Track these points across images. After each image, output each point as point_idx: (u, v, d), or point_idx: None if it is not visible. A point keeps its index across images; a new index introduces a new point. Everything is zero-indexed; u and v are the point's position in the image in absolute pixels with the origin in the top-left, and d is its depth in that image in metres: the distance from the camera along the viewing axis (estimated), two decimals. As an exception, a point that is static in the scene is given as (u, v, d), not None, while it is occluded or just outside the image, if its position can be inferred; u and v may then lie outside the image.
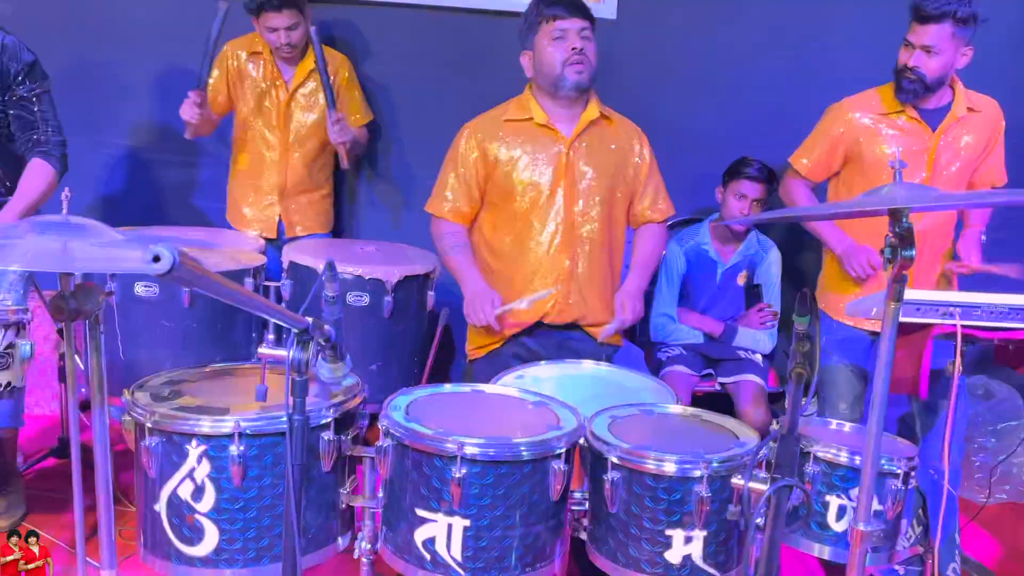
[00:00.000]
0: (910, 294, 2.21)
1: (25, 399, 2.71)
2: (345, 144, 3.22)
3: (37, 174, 2.60)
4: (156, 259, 0.98)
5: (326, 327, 1.69)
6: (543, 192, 2.72)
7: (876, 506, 1.96)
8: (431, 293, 2.89)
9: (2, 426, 2.67)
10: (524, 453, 1.80)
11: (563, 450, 1.84)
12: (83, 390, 1.74)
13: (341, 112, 3.22)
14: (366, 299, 2.71)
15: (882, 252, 1.47)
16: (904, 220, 1.43)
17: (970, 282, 2.82)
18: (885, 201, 1.46)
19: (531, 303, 2.67)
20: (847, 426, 2.23)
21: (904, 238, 1.44)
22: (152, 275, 0.98)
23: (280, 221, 3.34)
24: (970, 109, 2.78)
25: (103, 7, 3.56)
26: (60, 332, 3.01)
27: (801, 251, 3.54)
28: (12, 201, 2.56)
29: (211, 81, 3.22)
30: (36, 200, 2.60)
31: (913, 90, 2.69)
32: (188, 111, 3.07)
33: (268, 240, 3.28)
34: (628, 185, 2.85)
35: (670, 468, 1.81)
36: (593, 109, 2.75)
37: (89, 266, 1.37)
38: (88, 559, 1.85)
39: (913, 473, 2.04)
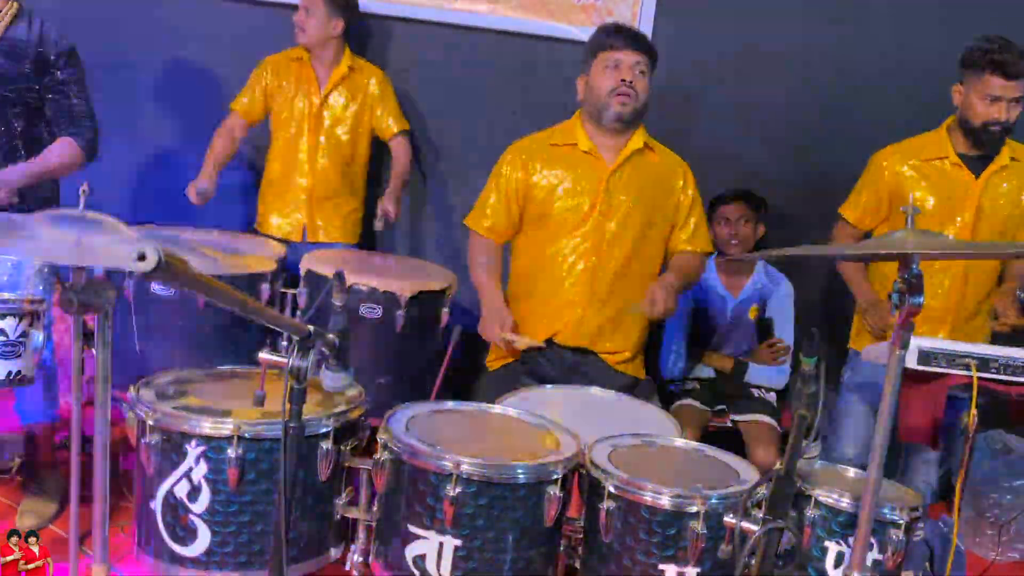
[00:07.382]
0: (926, 343, 2.19)
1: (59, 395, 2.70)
2: (390, 214, 3.27)
3: (60, 148, 2.63)
4: (141, 257, 0.99)
5: (330, 336, 1.69)
6: (577, 217, 2.74)
7: (876, 555, 1.92)
8: (445, 310, 2.89)
9: (32, 421, 2.67)
10: (520, 476, 1.79)
11: (559, 476, 1.83)
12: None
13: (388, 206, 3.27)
14: (379, 312, 2.72)
15: (889, 297, 1.45)
16: (913, 267, 1.41)
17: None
18: (891, 246, 1.44)
19: (529, 345, 2.69)
20: (851, 471, 2.19)
21: (913, 285, 1.43)
22: (135, 272, 0.99)
23: (304, 227, 3.36)
24: (1013, 159, 2.79)
25: (132, 8, 3.59)
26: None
27: (836, 294, 3.49)
28: (28, 162, 2.59)
29: (245, 100, 3.36)
30: (50, 168, 2.62)
31: (997, 141, 2.75)
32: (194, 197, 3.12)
33: (292, 244, 3.30)
34: (666, 219, 2.84)
35: (666, 501, 1.79)
36: (637, 140, 2.77)
37: (78, 259, 1.37)
38: (85, 549, 1.86)
39: (918, 524, 1.99)
